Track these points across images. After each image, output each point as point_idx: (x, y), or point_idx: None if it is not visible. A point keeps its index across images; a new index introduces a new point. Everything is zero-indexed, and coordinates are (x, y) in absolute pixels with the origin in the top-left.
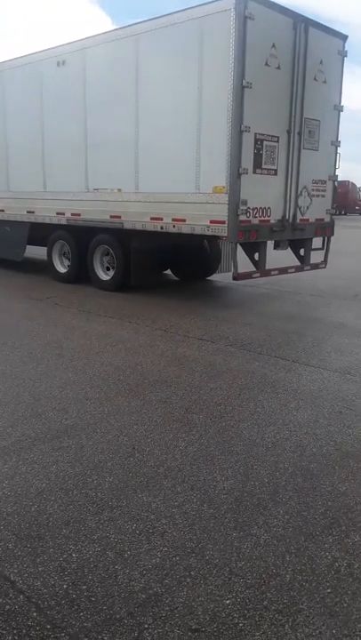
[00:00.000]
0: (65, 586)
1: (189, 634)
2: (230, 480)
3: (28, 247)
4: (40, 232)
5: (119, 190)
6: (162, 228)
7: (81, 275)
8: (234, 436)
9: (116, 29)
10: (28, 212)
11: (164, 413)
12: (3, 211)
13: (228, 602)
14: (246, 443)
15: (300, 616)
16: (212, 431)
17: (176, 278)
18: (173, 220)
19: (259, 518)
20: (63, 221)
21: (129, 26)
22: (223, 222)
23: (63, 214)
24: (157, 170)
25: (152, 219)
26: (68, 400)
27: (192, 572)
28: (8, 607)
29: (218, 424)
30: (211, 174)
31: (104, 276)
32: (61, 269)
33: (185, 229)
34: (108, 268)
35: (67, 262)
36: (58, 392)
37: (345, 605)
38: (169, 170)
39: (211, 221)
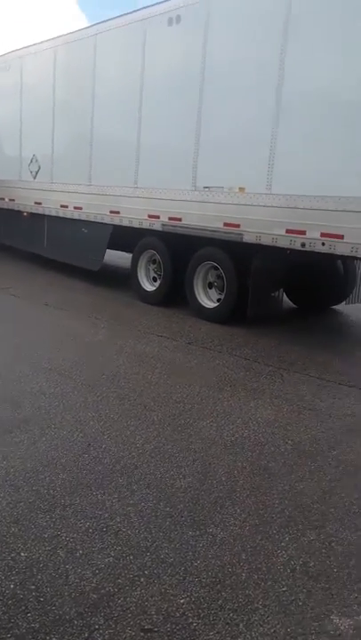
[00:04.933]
0: (12, 585)
1: (141, 634)
2: (188, 478)
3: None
4: (124, 236)
5: (241, 190)
6: (303, 245)
7: (174, 296)
8: (192, 433)
9: None
10: (111, 212)
11: (121, 410)
12: (81, 209)
13: (182, 601)
14: (205, 441)
15: (256, 615)
16: (170, 429)
17: (293, 305)
18: (323, 234)
19: (215, 517)
20: (157, 227)
21: None
22: None
23: (157, 217)
24: (304, 162)
25: (289, 231)
26: (22, 394)
27: (146, 572)
28: None
29: (176, 421)
30: None
31: (207, 302)
32: (148, 287)
33: (341, 249)
34: (209, 286)
35: (154, 277)
36: (12, 385)
37: (300, 604)
38: (327, 160)
39: None
